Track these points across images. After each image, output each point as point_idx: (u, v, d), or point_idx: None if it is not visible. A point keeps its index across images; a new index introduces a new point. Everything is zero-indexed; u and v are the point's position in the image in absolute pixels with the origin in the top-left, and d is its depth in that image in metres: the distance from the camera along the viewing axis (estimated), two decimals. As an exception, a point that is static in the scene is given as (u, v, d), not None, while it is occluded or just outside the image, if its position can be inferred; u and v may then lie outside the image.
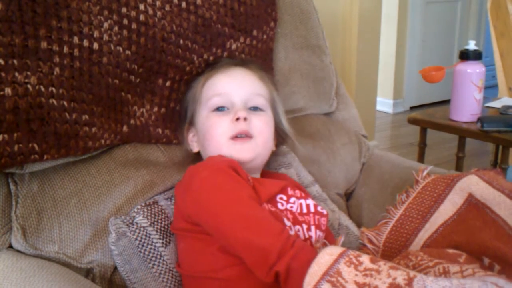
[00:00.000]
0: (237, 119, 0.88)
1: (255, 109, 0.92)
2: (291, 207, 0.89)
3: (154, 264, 0.85)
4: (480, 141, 1.73)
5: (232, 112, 0.89)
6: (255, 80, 0.95)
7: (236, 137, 0.88)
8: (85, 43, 0.85)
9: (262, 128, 0.91)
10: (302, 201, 0.91)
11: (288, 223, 0.83)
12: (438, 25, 4.38)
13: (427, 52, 4.31)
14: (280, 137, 1.00)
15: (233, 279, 0.77)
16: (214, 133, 0.89)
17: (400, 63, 4.26)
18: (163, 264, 0.85)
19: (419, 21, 4.24)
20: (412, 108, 4.33)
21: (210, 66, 0.99)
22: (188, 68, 1.00)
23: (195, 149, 0.96)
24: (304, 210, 0.90)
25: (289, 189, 0.92)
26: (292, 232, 0.79)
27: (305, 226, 0.87)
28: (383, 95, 4.22)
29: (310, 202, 0.92)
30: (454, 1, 4.45)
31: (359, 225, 1.10)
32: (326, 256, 0.67)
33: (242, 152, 0.88)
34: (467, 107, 1.65)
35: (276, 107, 0.99)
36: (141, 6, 0.93)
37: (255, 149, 0.90)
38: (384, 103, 4.27)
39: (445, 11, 4.41)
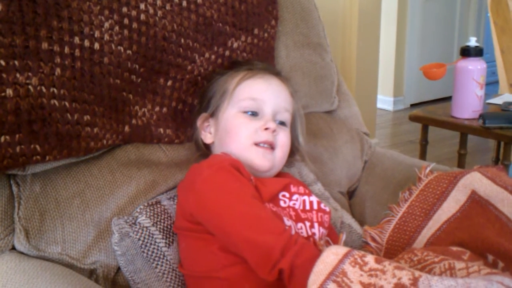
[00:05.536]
0: (266, 128, 0.89)
1: (281, 123, 0.94)
2: (294, 204, 0.89)
3: (157, 264, 0.85)
4: (482, 137, 1.73)
5: (262, 119, 0.91)
6: (288, 95, 0.97)
7: (258, 144, 0.89)
8: (86, 43, 0.85)
9: (284, 143, 0.93)
10: (306, 197, 0.92)
11: (289, 221, 0.84)
12: (438, 22, 4.38)
13: (427, 49, 4.31)
14: (291, 151, 1.00)
15: (235, 278, 0.77)
16: (240, 133, 0.90)
17: (400, 60, 4.25)
18: (167, 264, 0.85)
19: (419, 18, 4.23)
20: (412, 105, 4.33)
21: (245, 65, 0.99)
22: (189, 67, 1.00)
23: (208, 140, 0.96)
24: (307, 207, 0.91)
25: (291, 186, 0.92)
26: (293, 232, 0.79)
27: (308, 223, 0.87)
28: (383, 92, 4.22)
29: (314, 199, 0.93)
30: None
31: (362, 223, 1.10)
32: (331, 256, 0.67)
33: (262, 159, 0.89)
34: (469, 104, 1.65)
35: (296, 124, 1.01)
36: (142, 6, 0.93)
37: (273, 160, 0.91)
38: (384, 101, 4.27)
39: (444, 8, 4.40)
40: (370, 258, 0.67)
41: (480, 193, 0.92)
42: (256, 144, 0.89)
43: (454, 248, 0.86)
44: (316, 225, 0.89)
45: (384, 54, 3.93)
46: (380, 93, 3.96)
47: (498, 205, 0.89)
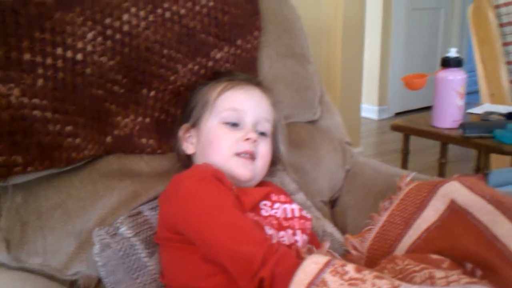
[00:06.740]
0: (247, 139, 0.90)
1: (262, 133, 0.95)
2: (275, 212, 0.90)
3: (138, 275, 0.84)
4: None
5: (242, 130, 0.92)
6: (268, 105, 0.98)
7: (240, 155, 0.90)
8: (69, 54, 0.85)
9: (265, 153, 0.94)
10: (287, 205, 0.93)
11: (271, 230, 0.84)
12: (422, 32, 4.43)
13: (411, 58, 4.36)
14: (273, 161, 1.01)
15: None
16: (221, 144, 0.91)
17: (384, 69, 4.30)
18: (148, 274, 0.85)
19: (403, 28, 4.28)
20: (397, 114, 4.36)
21: (226, 76, 0.99)
22: (172, 77, 1.01)
23: (190, 150, 0.97)
24: (289, 215, 0.92)
25: (273, 195, 0.93)
26: (274, 241, 0.80)
27: (290, 231, 0.88)
28: (368, 101, 4.25)
29: (295, 206, 0.94)
30: (437, 8, 4.51)
31: (344, 232, 1.10)
32: (311, 265, 0.68)
33: (243, 169, 0.90)
34: (449, 114, 1.66)
35: (278, 134, 1.02)
36: (125, 17, 0.94)
37: (255, 170, 0.92)
38: (369, 110, 4.30)
39: (428, 18, 4.46)
40: (350, 267, 0.68)
41: (459, 202, 0.93)
42: (237, 155, 0.90)
43: (434, 256, 0.88)
44: (298, 232, 0.90)
45: (368, 63, 3.97)
46: (365, 102, 4.00)
47: (476, 214, 0.90)
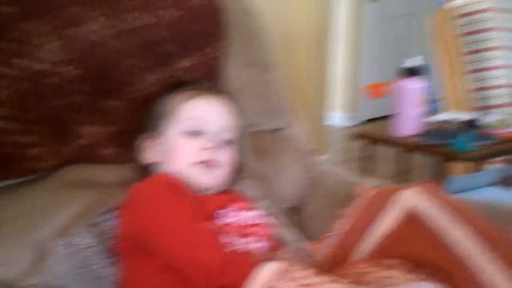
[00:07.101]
0: (208, 148, 0.91)
1: (224, 142, 0.95)
2: (238, 219, 0.91)
3: (99, 284, 0.85)
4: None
5: (204, 139, 0.92)
6: (232, 114, 0.98)
7: (200, 163, 0.91)
8: (34, 64, 0.86)
9: (227, 161, 0.95)
10: (250, 212, 0.94)
11: (233, 237, 0.86)
12: (392, 40, 4.49)
13: (381, 66, 4.40)
14: (237, 168, 1.02)
15: None
16: (182, 153, 0.92)
17: (354, 77, 4.34)
18: (108, 284, 0.85)
19: (373, 36, 4.33)
20: (368, 120, 4.40)
21: (190, 85, 1.00)
22: (138, 86, 1.01)
23: (152, 159, 0.96)
24: (252, 222, 0.92)
25: (236, 202, 0.94)
26: (235, 247, 0.82)
27: (252, 238, 0.89)
28: (338, 108, 4.30)
29: (258, 213, 0.95)
30: (407, 15, 4.57)
31: (307, 239, 1.12)
32: (269, 271, 0.70)
33: (204, 178, 0.91)
34: (408, 122, 1.69)
35: (242, 142, 1.02)
36: (91, 27, 0.94)
37: (216, 178, 0.93)
38: (339, 117, 4.34)
39: (399, 26, 4.51)
40: (307, 273, 0.70)
41: (416, 209, 0.96)
42: (198, 163, 0.91)
43: (392, 261, 0.91)
44: (260, 239, 0.91)
45: (339, 70, 4.03)
46: (335, 109, 4.04)
47: (432, 220, 0.93)
